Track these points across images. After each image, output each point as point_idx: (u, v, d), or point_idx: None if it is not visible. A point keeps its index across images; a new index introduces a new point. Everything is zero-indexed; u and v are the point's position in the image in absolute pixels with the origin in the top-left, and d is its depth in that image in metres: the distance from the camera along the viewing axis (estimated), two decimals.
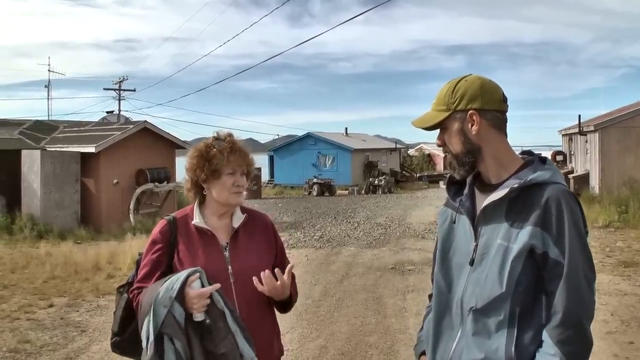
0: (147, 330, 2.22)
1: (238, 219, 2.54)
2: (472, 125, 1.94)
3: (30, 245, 13.33)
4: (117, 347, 2.52)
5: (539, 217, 1.78)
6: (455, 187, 2.12)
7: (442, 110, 1.98)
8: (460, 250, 2.02)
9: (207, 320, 2.21)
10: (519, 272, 1.80)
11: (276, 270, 2.41)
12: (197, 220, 2.48)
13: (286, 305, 2.57)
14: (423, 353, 2.21)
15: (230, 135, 2.56)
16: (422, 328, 2.30)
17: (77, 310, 7.68)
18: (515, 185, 1.83)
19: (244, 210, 2.60)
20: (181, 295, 2.21)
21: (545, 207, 1.79)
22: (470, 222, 1.98)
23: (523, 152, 2.07)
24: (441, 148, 2.06)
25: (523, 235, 1.79)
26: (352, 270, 10.43)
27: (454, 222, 2.06)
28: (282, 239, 12.16)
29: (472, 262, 1.93)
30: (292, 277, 2.67)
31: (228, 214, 2.55)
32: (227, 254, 2.46)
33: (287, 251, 2.66)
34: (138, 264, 2.55)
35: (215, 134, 2.57)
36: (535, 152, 2.11)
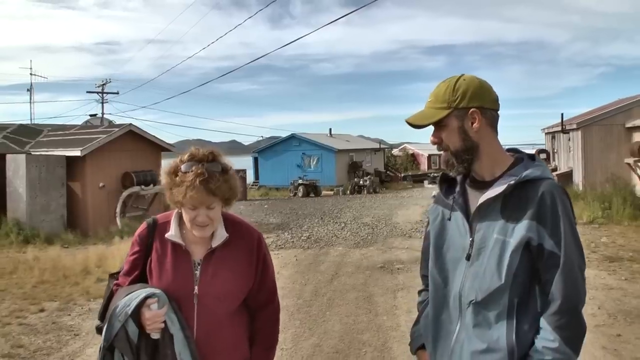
0: (103, 336, 2.23)
1: (218, 238, 2.34)
2: (472, 123, 1.98)
3: (16, 250, 13.21)
4: (99, 331, 2.43)
5: (535, 212, 1.86)
6: (446, 185, 2.17)
7: (442, 108, 2.00)
8: (454, 245, 2.07)
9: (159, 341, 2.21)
10: (517, 264, 1.87)
11: None
12: (172, 233, 2.34)
13: None
14: (420, 347, 2.27)
15: (206, 159, 2.26)
16: (416, 323, 2.35)
17: (69, 314, 7.65)
18: (512, 182, 1.90)
19: (229, 223, 2.41)
20: (137, 314, 2.17)
21: (540, 202, 1.86)
22: (465, 218, 2.04)
23: (509, 150, 2.13)
24: (435, 146, 2.08)
25: (520, 229, 1.87)
26: (341, 270, 10.49)
27: (449, 219, 2.09)
28: (269, 240, 12.19)
29: (468, 257, 1.99)
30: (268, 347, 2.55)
31: None
32: (197, 272, 2.31)
33: (275, 252, 2.45)
34: None
35: (191, 153, 2.29)
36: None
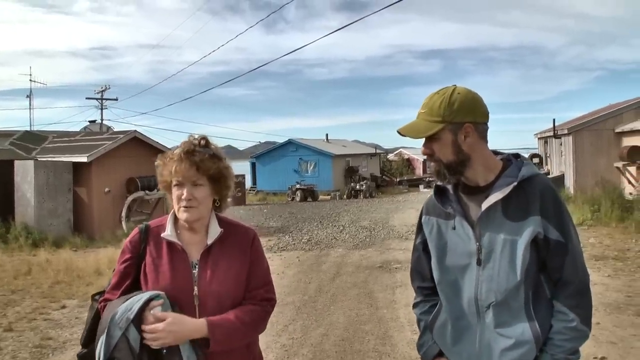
0: (99, 350, 2.08)
1: (213, 234, 2.28)
2: (466, 137, 2.02)
3: (27, 253, 13.64)
4: None
5: (539, 207, 1.97)
6: (438, 195, 2.19)
7: (436, 122, 2.02)
8: (456, 252, 2.11)
9: (164, 350, 2.08)
10: (528, 260, 1.97)
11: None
12: (167, 232, 2.27)
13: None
14: (436, 355, 2.26)
15: (197, 143, 2.26)
16: (422, 335, 2.34)
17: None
18: (515, 183, 1.99)
19: (224, 223, 2.35)
20: (139, 319, 2.06)
21: (542, 198, 1.98)
22: (468, 224, 2.08)
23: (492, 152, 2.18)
24: (426, 156, 2.11)
25: (528, 226, 1.96)
26: (342, 270, 11.02)
27: (454, 228, 2.11)
28: (271, 242, 12.73)
29: (479, 262, 2.05)
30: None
31: (201, 228, 2.30)
32: (195, 272, 2.23)
33: (278, 254, 2.39)
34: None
35: (187, 139, 2.29)
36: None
